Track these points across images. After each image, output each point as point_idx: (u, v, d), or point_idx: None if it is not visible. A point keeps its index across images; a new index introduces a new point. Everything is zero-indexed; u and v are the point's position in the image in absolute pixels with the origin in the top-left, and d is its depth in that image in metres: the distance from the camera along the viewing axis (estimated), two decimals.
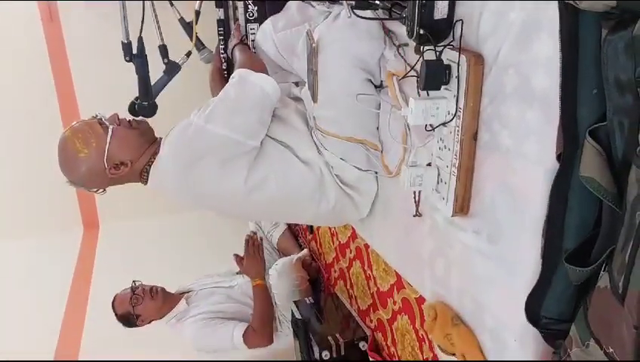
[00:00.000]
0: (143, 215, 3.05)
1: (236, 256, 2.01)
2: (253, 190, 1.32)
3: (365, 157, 1.37)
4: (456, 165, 0.98)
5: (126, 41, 1.21)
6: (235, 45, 1.61)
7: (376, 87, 1.30)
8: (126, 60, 1.22)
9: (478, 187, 0.97)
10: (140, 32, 1.19)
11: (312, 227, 2.25)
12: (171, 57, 1.36)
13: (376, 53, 1.24)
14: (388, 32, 1.23)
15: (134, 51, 1.22)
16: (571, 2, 0.67)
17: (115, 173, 1.33)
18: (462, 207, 1.00)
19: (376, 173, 1.39)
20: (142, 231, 3.09)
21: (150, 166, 1.34)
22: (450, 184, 1.01)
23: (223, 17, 1.68)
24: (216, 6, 1.69)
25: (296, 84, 1.58)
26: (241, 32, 1.66)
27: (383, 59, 1.25)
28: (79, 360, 2.25)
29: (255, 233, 2.10)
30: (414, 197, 1.15)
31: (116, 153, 1.32)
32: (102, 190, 1.39)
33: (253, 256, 1.98)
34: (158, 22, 1.32)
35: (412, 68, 1.06)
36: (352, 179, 1.39)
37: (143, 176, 1.36)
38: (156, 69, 1.36)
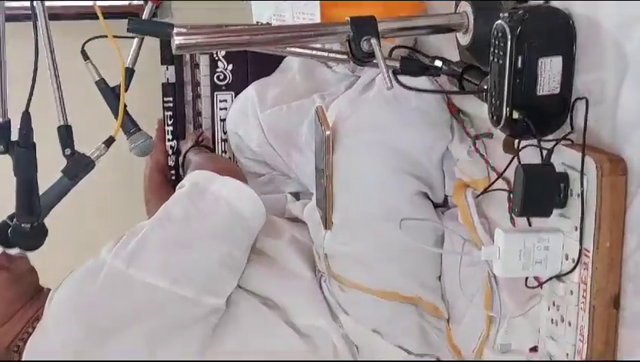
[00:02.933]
0: None
1: None
2: None
3: (418, 329, 1.36)
4: (584, 353, 0.96)
5: (1, 120, 1.23)
6: (189, 148, 1.71)
7: (435, 206, 1.33)
8: None
9: None
10: (27, 105, 1.22)
11: None
12: (79, 147, 1.39)
13: (437, 149, 1.28)
14: (457, 114, 1.27)
15: (14, 137, 1.24)
16: None
17: None
18: None
19: (437, 359, 1.37)
20: None
21: (24, 341, 1.32)
22: None
23: (173, 80, 1.75)
24: (162, 62, 1.77)
25: (296, 196, 1.61)
26: (201, 132, 1.77)
27: (447, 159, 1.29)
28: None
29: None
30: None
31: None
32: None
33: None
34: (59, 88, 1.35)
35: (500, 176, 1.09)
36: None
37: (10, 360, 1.35)
38: (50, 167, 1.38)
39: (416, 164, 1.28)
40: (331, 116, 1.31)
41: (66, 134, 1.37)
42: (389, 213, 1.28)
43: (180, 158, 1.77)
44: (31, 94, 1.22)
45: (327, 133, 1.28)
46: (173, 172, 1.86)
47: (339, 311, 1.38)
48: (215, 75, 1.74)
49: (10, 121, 1.23)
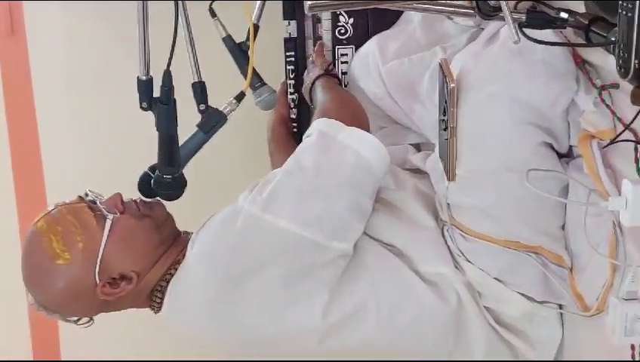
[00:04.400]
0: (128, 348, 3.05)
1: None
2: (337, 328, 1.37)
3: (541, 278, 1.38)
4: None
5: (145, 78, 1.30)
6: (316, 78, 1.71)
7: (560, 156, 1.34)
8: (142, 108, 1.31)
9: None
10: (168, 63, 1.28)
11: None
12: (212, 102, 1.45)
13: (562, 101, 1.28)
14: (582, 65, 1.27)
15: (155, 94, 1.30)
16: None
17: (111, 292, 1.39)
18: None
19: (559, 307, 1.40)
20: None
21: (167, 282, 1.40)
22: None
23: (295, 35, 1.80)
24: (285, 17, 1.81)
25: (417, 147, 1.65)
26: (327, 56, 1.77)
27: (573, 110, 1.29)
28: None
29: None
30: (633, 356, 1.14)
31: (116, 260, 1.39)
32: (87, 320, 1.45)
33: None
34: (193, 46, 1.41)
35: (627, 127, 1.10)
36: (517, 316, 1.40)
37: (154, 299, 1.43)
38: (185, 121, 1.45)
39: (541, 115, 1.29)
40: (455, 69, 1.33)
41: (200, 90, 1.43)
42: (513, 164, 1.30)
43: (305, 90, 1.79)
44: (172, 53, 1.28)
45: (452, 85, 1.29)
46: (295, 124, 1.91)
47: (461, 259, 1.41)
48: (337, 29, 1.76)
49: (152, 79, 1.28)
